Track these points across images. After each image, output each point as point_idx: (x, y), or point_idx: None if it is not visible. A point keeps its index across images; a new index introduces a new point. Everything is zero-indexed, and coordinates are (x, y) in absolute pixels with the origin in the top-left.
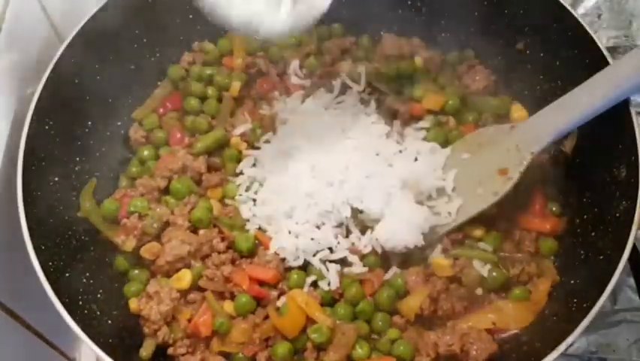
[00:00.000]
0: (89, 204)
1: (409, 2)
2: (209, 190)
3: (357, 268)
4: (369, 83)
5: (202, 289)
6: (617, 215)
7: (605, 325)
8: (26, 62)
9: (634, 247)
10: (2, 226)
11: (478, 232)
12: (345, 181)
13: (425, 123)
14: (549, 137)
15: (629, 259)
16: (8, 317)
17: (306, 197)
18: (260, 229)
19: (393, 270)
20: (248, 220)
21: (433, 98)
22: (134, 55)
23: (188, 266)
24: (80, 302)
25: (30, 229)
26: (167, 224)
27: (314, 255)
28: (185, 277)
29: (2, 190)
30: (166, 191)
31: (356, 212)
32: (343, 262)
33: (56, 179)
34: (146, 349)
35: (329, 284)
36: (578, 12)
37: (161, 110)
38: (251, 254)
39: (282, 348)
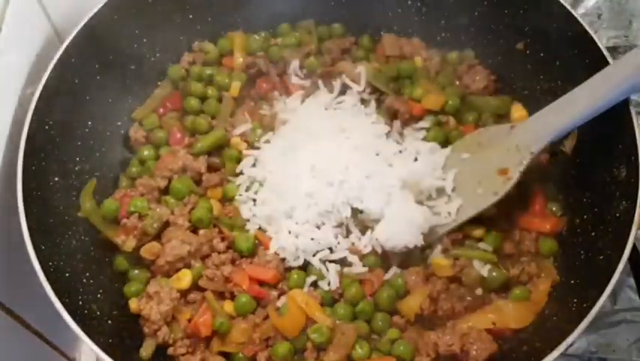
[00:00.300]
0: (89, 204)
1: (409, 2)
2: (209, 190)
3: (357, 268)
4: (369, 83)
5: (202, 289)
6: (617, 215)
7: (605, 325)
8: (26, 62)
9: (634, 247)
10: (2, 226)
11: (478, 232)
12: (345, 181)
13: (425, 123)
14: (549, 137)
15: (629, 259)
16: (8, 317)
17: (306, 197)
18: (260, 229)
19: (393, 270)
20: (248, 220)
21: (433, 98)
22: (134, 55)
23: (188, 266)
24: (80, 302)
25: (30, 229)
26: (167, 224)
27: (314, 255)
28: (185, 277)
29: (2, 190)
30: (166, 191)
31: (356, 212)
32: (343, 262)
33: (56, 179)
34: (146, 349)
35: (329, 284)
36: (578, 12)
37: (161, 110)
38: (251, 254)
39: (282, 348)
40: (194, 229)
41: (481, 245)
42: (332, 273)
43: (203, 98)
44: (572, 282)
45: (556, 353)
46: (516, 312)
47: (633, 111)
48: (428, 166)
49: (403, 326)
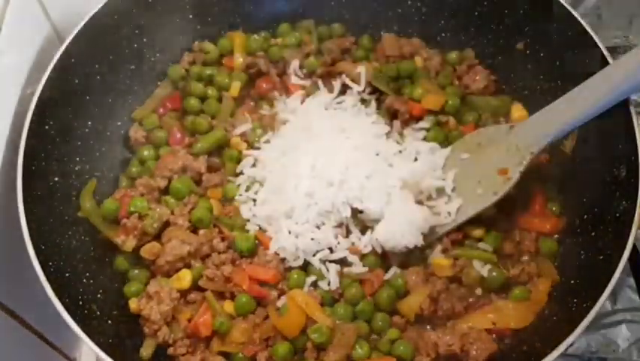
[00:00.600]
0: (89, 204)
1: (409, 2)
2: (209, 190)
3: (357, 268)
4: (369, 83)
5: (202, 289)
6: (617, 215)
7: (605, 325)
8: (26, 62)
9: (634, 247)
10: (2, 226)
11: (478, 232)
12: (345, 181)
13: (425, 123)
14: (549, 137)
15: (629, 259)
16: (8, 317)
17: (306, 197)
18: (260, 229)
19: (393, 270)
20: (248, 220)
21: (433, 98)
22: (134, 55)
23: (188, 266)
24: (80, 302)
25: (30, 229)
26: (167, 224)
27: (314, 255)
28: (185, 277)
29: (2, 190)
30: (166, 191)
31: (356, 212)
32: (343, 262)
33: (56, 179)
34: (146, 349)
35: (329, 284)
36: (578, 12)
37: (161, 110)
38: (251, 254)
39: (282, 348)
40: (194, 229)
41: (481, 245)
42: (332, 273)
43: (203, 98)
44: (572, 282)
45: (556, 353)
46: (516, 312)
47: (633, 111)
48: (428, 166)
49: (403, 326)
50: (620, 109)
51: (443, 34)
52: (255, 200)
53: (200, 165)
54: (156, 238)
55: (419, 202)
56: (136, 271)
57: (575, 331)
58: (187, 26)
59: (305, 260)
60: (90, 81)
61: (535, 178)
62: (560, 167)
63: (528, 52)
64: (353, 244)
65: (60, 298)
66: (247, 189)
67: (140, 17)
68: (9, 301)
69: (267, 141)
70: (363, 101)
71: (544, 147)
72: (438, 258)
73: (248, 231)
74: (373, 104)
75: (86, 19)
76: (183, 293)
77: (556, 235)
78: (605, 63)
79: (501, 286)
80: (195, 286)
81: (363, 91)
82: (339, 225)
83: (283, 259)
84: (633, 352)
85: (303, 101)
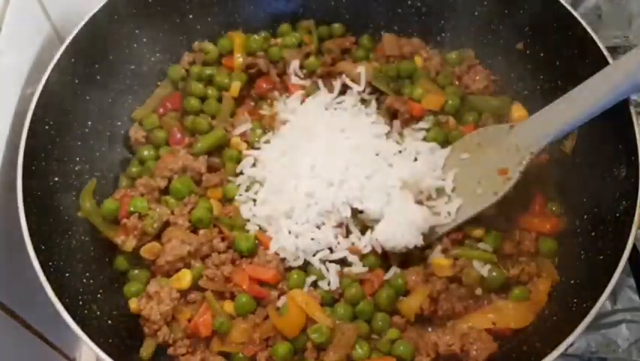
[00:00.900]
0: (89, 204)
1: (409, 2)
2: (209, 190)
3: (357, 268)
4: (369, 83)
5: (202, 289)
6: (617, 215)
7: (605, 325)
8: (26, 62)
9: (634, 247)
10: (2, 226)
11: (478, 232)
12: (345, 181)
13: (425, 123)
14: (549, 137)
15: (629, 259)
16: (8, 317)
17: (306, 197)
18: (260, 229)
19: (393, 270)
20: (248, 220)
21: (433, 98)
22: (134, 55)
23: (188, 266)
24: (80, 302)
25: (30, 229)
26: (167, 224)
27: (314, 255)
28: (185, 277)
29: (2, 190)
30: (166, 191)
31: (356, 212)
32: (343, 262)
33: (56, 179)
34: (146, 349)
35: (329, 284)
36: (578, 12)
37: (161, 110)
38: (251, 254)
39: (282, 348)
40: (194, 229)
41: (481, 245)
42: (332, 273)
43: (203, 98)
44: (572, 282)
45: (556, 353)
46: (516, 312)
47: (633, 111)
48: (428, 166)
49: (403, 326)
50: (620, 109)
51: (443, 34)
52: (255, 200)
53: (200, 165)
54: (156, 238)
55: (419, 202)
56: (136, 271)
57: (575, 331)
58: (187, 26)
59: (305, 260)
60: (90, 81)
61: (535, 178)
62: (560, 167)
63: (528, 52)
64: (353, 244)
65: (60, 298)
66: (247, 189)
67: (140, 17)
68: (9, 301)
69: (267, 141)
70: (363, 101)
71: (544, 147)
72: (438, 258)
73: (248, 231)
74: (373, 104)
75: (86, 19)
76: (183, 293)
77: (556, 235)
78: (605, 63)
79: (501, 286)
80: (195, 286)
81: (363, 91)
82: (339, 225)
83: (283, 259)
84: (633, 352)
85: (303, 101)
